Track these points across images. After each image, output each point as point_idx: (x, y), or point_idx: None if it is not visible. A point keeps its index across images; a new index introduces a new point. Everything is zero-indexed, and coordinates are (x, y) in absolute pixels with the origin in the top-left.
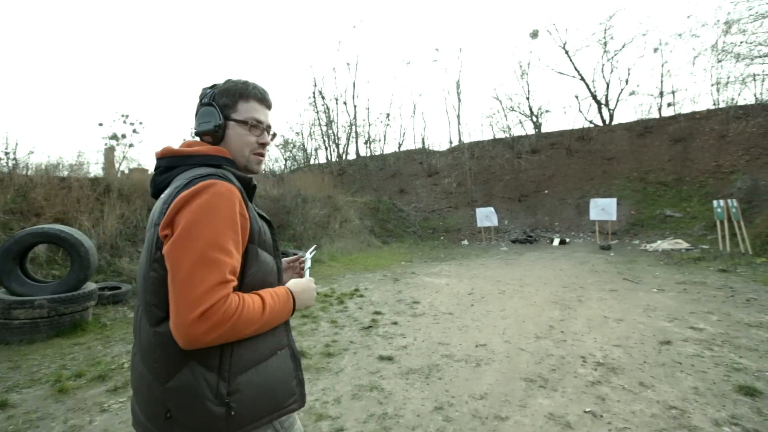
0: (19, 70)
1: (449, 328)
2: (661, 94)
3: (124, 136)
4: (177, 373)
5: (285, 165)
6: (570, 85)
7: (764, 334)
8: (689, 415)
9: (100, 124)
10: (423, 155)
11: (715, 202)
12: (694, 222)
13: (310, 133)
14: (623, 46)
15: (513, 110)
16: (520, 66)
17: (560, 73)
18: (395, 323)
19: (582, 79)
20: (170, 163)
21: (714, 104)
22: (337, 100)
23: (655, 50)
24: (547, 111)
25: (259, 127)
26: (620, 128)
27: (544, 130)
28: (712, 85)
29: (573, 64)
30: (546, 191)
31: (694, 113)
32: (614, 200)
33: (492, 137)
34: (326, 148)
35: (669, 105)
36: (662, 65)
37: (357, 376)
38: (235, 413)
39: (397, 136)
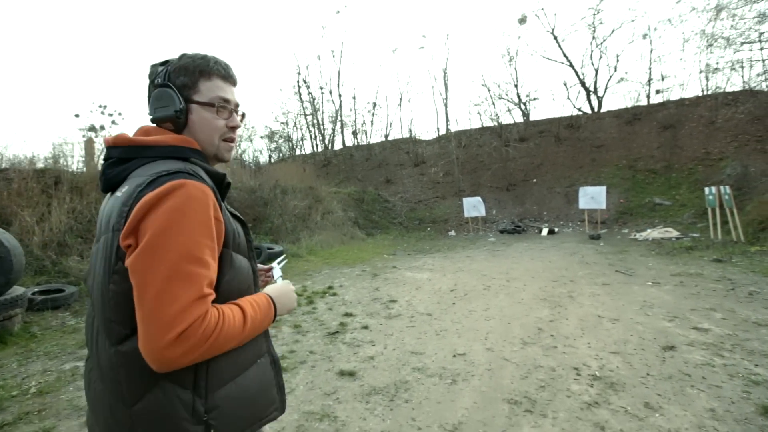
0: None
1: (425, 333)
2: (650, 81)
3: (102, 128)
4: (146, 393)
5: (270, 156)
6: (558, 72)
7: None
8: None
9: (77, 116)
10: (410, 144)
11: (706, 189)
12: (684, 210)
13: (295, 123)
14: (612, 32)
15: (501, 98)
16: (508, 52)
17: (549, 59)
18: (366, 327)
19: (571, 65)
20: (125, 154)
21: (702, 91)
22: (322, 88)
23: (645, 36)
24: (535, 98)
25: (227, 108)
26: (609, 115)
27: (532, 118)
28: (701, 71)
29: (562, 49)
30: (534, 180)
31: (683, 100)
32: (603, 188)
33: (480, 126)
34: (312, 139)
35: (658, 92)
36: (651, 51)
37: (308, 400)
38: (214, 431)
39: (384, 125)
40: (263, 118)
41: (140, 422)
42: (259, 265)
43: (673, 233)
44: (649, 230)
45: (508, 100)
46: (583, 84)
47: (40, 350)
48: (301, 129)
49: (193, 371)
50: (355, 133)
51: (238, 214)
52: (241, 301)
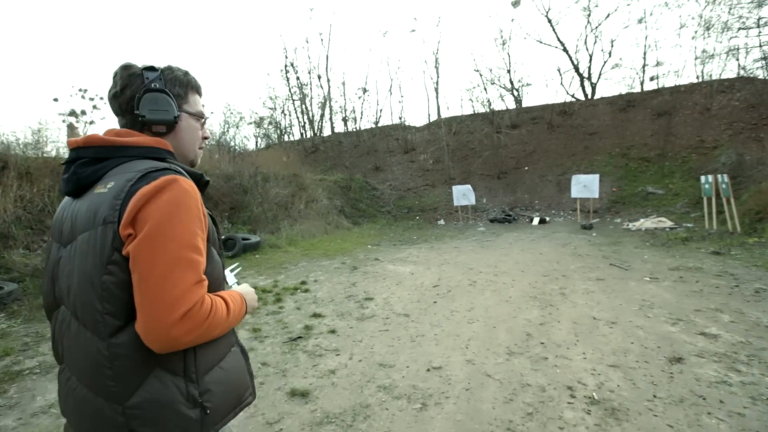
0: None
1: (399, 339)
2: (644, 67)
3: (83, 113)
4: (142, 384)
5: (257, 143)
6: (552, 57)
7: None
8: None
9: (56, 99)
10: (399, 131)
11: (702, 178)
12: (677, 199)
13: (283, 109)
14: (608, 16)
15: (493, 83)
16: (501, 35)
17: (542, 42)
18: (333, 331)
19: (565, 49)
20: (99, 154)
21: (698, 78)
22: (310, 73)
23: (640, 21)
24: (528, 84)
25: (203, 121)
26: (603, 102)
27: (525, 104)
28: (696, 58)
29: (556, 33)
30: (526, 168)
31: (677, 87)
32: (597, 177)
33: (471, 113)
34: (300, 125)
35: (652, 79)
36: (646, 37)
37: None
38: (210, 412)
39: (374, 112)
40: (250, 103)
41: (136, 415)
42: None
43: (667, 223)
44: (642, 220)
45: (500, 86)
46: (576, 69)
47: None
48: (289, 115)
49: (182, 358)
50: (345, 120)
51: (210, 213)
52: (222, 293)
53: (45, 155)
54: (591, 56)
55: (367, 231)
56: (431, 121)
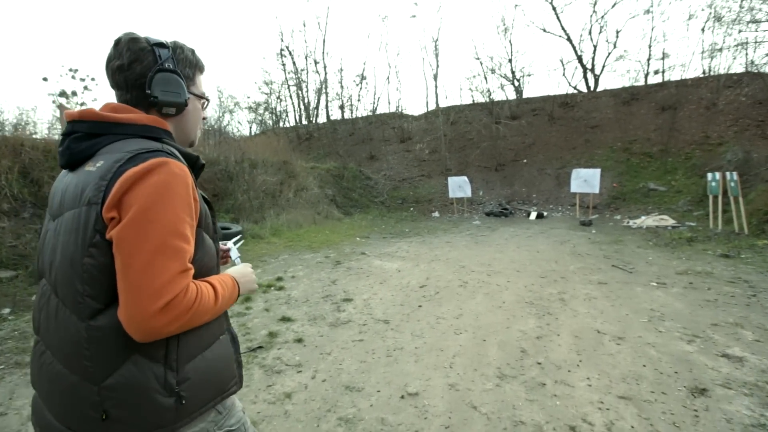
0: None
1: (373, 353)
2: (649, 60)
3: (74, 94)
4: (118, 368)
5: (251, 129)
6: (555, 47)
7: None
8: None
9: (45, 79)
10: (396, 119)
11: (709, 175)
12: (679, 196)
13: (278, 95)
14: (614, 5)
15: (494, 72)
16: (503, 22)
17: (546, 31)
18: (300, 340)
19: (569, 39)
20: (93, 129)
21: (704, 72)
22: (307, 58)
23: (647, 11)
24: (529, 75)
25: (205, 102)
26: (605, 95)
27: (525, 95)
28: (703, 52)
29: (560, 21)
30: (525, 160)
31: (684, 80)
32: (598, 171)
33: (470, 102)
34: (295, 112)
35: (656, 72)
36: (652, 29)
37: None
38: (185, 402)
39: (372, 99)
40: (245, 87)
41: (110, 397)
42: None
43: (669, 221)
44: (643, 217)
45: (501, 75)
46: (580, 60)
47: None
48: (284, 101)
49: (164, 345)
50: (342, 107)
51: (205, 196)
52: (211, 279)
53: (4, 134)
54: (595, 47)
55: (358, 222)
56: (429, 110)
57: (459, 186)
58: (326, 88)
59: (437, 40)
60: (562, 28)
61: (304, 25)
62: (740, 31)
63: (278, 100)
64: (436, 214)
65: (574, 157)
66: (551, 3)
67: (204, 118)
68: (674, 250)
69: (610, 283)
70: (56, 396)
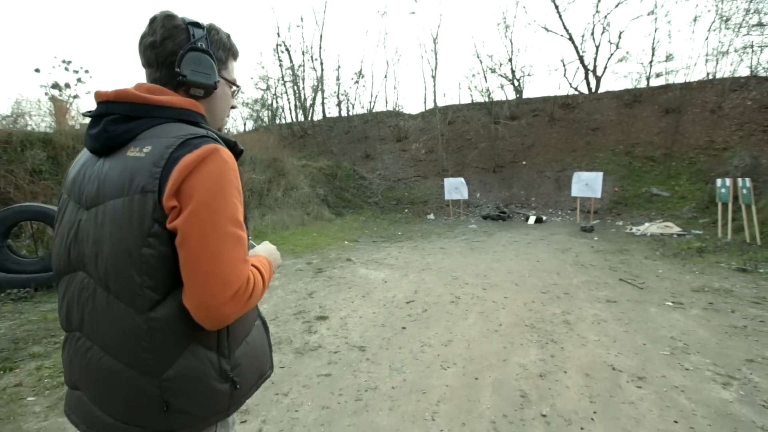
0: None
1: (341, 394)
2: (651, 62)
3: (68, 86)
4: (177, 358)
5: (245, 124)
6: (556, 47)
7: None
8: None
9: (37, 70)
10: (393, 118)
11: (719, 181)
12: (683, 202)
13: (275, 92)
14: (617, 5)
15: (494, 71)
16: (504, 20)
17: (548, 30)
18: None
19: (570, 38)
20: (131, 111)
21: (708, 75)
22: (304, 53)
23: (650, 13)
24: (529, 74)
25: (236, 90)
26: (608, 96)
27: (525, 95)
28: (707, 55)
29: (562, 21)
30: (524, 162)
31: (688, 83)
32: (600, 174)
33: (469, 102)
34: (291, 110)
35: (658, 75)
36: (656, 30)
37: None
38: (239, 386)
39: (370, 97)
40: (241, 82)
41: (171, 387)
42: None
43: (674, 229)
44: (646, 224)
45: (500, 75)
46: (581, 61)
47: None
48: (280, 97)
49: (215, 334)
50: (339, 104)
51: None
52: (254, 262)
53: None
54: (597, 47)
55: (349, 223)
56: (427, 108)
57: (455, 188)
58: (323, 84)
59: (436, 37)
60: (564, 28)
61: (302, 20)
62: (746, 34)
63: (275, 97)
64: (432, 216)
65: (575, 159)
66: (553, 1)
67: (233, 107)
68: (685, 261)
69: (620, 301)
70: (110, 391)
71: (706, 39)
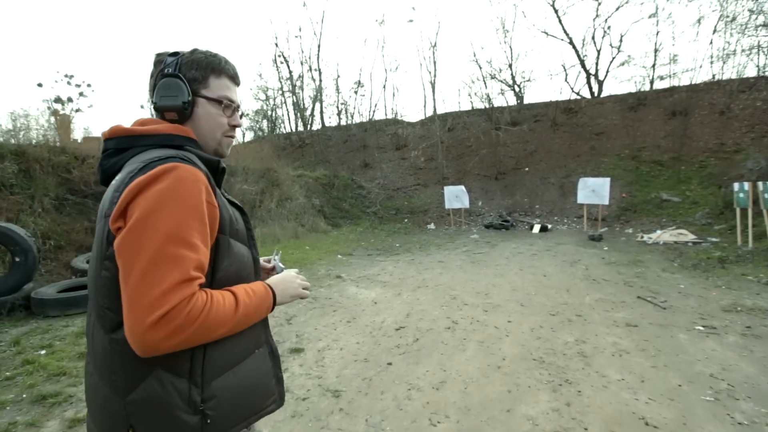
0: None
1: None
2: (654, 65)
3: (70, 100)
4: (140, 383)
5: (243, 135)
6: (557, 51)
7: None
8: None
9: (40, 85)
10: (392, 126)
11: (736, 185)
12: (696, 208)
13: (274, 102)
14: (618, 8)
15: (494, 77)
16: (503, 25)
17: (548, 34)
18: None
19: (571, 42)
20: (120, 144)
21: (714, 76)
22: (302, 63)
23: (651, 16)
24: (530, 80)
25: (231, 107)
26: (611, 100)
27: (526, 101)
28: (713, 56)
29: (562, 25)
30: (526, 169)
31: (694, 85)
32: (607, 180)
33: (469, 108)
34: (289, 120)
35: (662, 79)
36: (657, 33)
37: None
38: (211, 421)
39: (369, 106)
40: (241, 93)
41: (135, 412)
42: (261, 262)
43: (689, 236)
44: (658, 231)
45: (500, 81)
46: (583, 65)
47: None
48: (279, 108)
49: (189, 359)
50: (339, 114)
51: (236, 202)
52: (234, 287)
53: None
54: (599, 51)
55: (345, 235)
56: (426, 116)
57: (456, 196)
58: (321, 94)
59: (435, 44)
60: (565, 32)
61: (300, 31)
62: (752, 36)
63: (274, 107)
64: (432, 226)
65: (579, 165)
66: (552, 5)
67: (234, 126)
68: (707, 274)
69: (642, 325)
70: (95, 406)
71: (711, 39)
